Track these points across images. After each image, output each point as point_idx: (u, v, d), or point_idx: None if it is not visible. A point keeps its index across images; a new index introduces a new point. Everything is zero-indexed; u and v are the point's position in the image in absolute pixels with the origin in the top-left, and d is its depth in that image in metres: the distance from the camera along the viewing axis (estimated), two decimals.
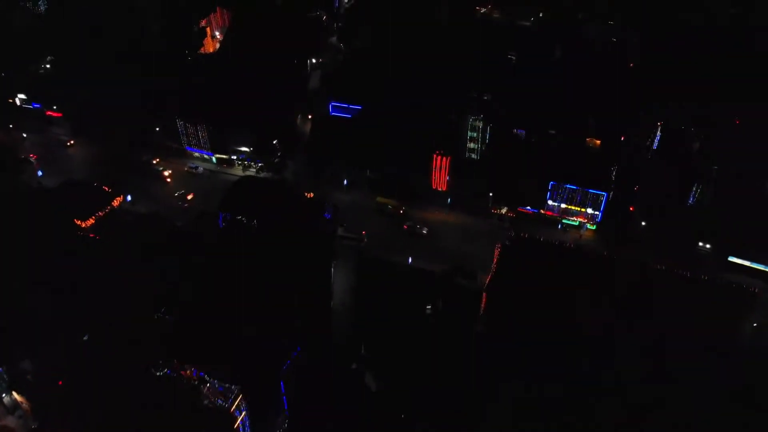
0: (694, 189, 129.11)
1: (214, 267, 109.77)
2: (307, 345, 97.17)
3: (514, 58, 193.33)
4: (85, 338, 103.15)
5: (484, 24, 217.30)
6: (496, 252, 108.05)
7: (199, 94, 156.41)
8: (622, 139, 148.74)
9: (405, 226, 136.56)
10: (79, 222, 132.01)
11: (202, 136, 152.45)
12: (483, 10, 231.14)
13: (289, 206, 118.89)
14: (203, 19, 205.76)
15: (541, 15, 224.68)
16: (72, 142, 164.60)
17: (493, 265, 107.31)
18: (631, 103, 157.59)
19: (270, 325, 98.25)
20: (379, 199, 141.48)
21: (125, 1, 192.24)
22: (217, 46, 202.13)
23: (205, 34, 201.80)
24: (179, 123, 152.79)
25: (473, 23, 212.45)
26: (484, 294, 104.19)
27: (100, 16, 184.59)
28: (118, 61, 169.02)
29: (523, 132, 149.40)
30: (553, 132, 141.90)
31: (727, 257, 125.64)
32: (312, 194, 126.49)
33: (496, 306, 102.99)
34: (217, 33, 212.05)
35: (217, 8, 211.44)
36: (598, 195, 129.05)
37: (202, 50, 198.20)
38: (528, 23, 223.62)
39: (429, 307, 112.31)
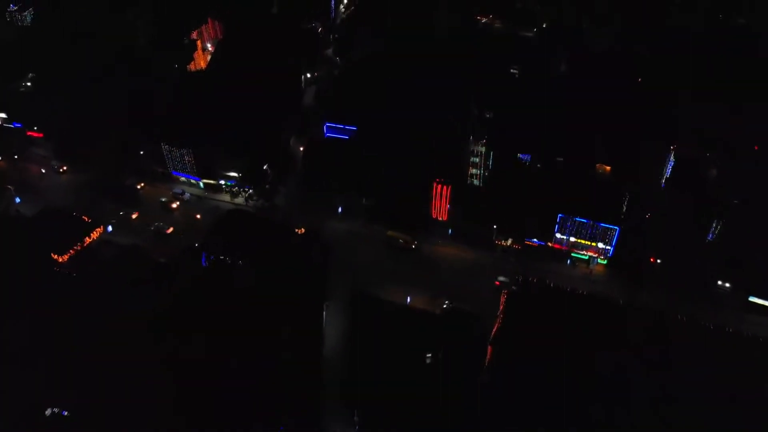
0: (713, 225, 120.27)
1: (189, 316, 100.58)
2: (294, 417, 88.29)
3: (516, 72, 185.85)
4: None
5: (485, 35, 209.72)
6: (502, 299, 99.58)
7: (184, 115, 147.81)
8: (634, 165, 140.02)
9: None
10: (56, 256, 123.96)
11: (188, 161, 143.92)
12: (484, 20, 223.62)
13: (278, 245, 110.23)
14: (194, 31, 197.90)
15: (544, 26, 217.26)
16: (65, 168, 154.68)
17: (499, 314, 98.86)
18: (640, 123, 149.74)
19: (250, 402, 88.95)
20: (389, 233, 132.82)
21: (113, 14, 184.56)
22: (208, 58, 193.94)
23: (195, 47, 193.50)
24: (163, 146, 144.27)
25: (474, 34, 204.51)
26: (489, 346, 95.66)
27: (85, 30, 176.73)
28: (104, 78, 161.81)
29: (528, 157, 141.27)
30: (560, 159, 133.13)
31: (748, 297, 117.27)
32: (303, 230, 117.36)
33: (502, 358, 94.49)
34: (208, 45, 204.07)
35: (209, 20, 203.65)
36: (610, 229, 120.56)
37: (192, 64, 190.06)
38: (530, 34, 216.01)
39: (429, 355, 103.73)
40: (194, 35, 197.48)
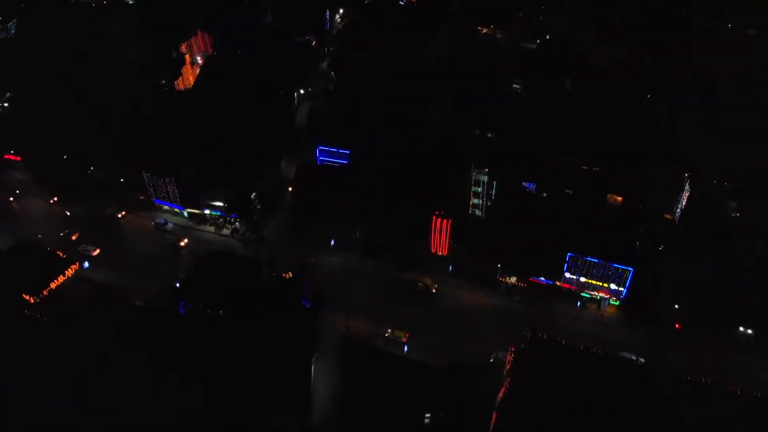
0: (734, 265, 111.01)
1: (160, 377, 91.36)
2: None
3: (519, 88, 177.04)
4: None
5: (486, 47, 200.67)
6: (509, 357, 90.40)
7: (166, 140, 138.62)
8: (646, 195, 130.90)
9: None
10: (27, 297, 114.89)
11: (171, 190, 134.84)
12: (485, 31, 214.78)
13: (262, 291, 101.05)
14: (183, 44, 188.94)
15: (547, 37, 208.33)
16: (56, 199, 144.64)
17: (506, 374, 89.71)
18: (651, 146, 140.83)
19: None
20: (408, 276, 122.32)
21: (98, 27, 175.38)
22: (198, 72, 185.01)
23: (183, 62, 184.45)
24: (144, 174, 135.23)
25: (475, 47, 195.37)
26: (494, 413, 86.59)
27: (66, 45, 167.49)
28: (86, 97, 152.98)
29: (533, 186, 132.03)
30: (569, 191, 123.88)
31: None
32: (290, 273, 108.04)
33: (509, 424, 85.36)
34: (198, 58, 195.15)
35: (198, 32, 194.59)
36: (624, 270, 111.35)
37: (180, 80, 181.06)
38: (533, 45, 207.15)
39: (428, 415, 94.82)
40: (183, 48, 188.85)
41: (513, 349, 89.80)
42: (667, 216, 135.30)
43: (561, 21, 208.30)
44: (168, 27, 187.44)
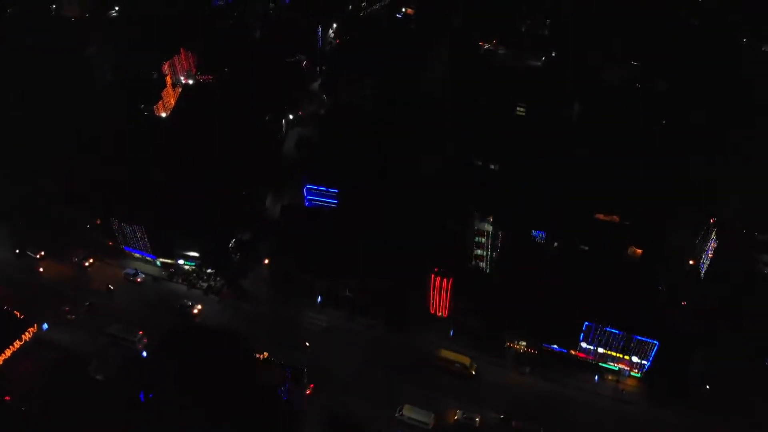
0: None
1: None
2: None
3: (523, 111, 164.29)
4: None
5: (488, 65, 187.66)
6: None
7: (136, 180, 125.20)
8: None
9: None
10: None
11: (140, 237, 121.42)
12: (487, 46, 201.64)
13: (235, 377, 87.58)
14: (165, 63, 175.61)
15: (553, 54, 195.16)
16: (42, 253, 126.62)
17: None
18: (673, 187, 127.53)
19: None
20: (443, 353, 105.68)
21: (71, 47, 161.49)
22: (179, 93, 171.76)
23: (164, 84, 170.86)
24: (112, 221, 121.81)
25: (477, 65, 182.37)
26: None
27: (34, 70, 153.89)
28: (51, 127, 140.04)
29: (543, 235, 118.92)
30: (585, 248, 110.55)
31: None
32: (266, 354, 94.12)
33: None
34: (182, 78, 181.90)
35: (181, 50, 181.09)
36: (648, 343, 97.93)
37: (160, 104, 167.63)
38: (538, 63, 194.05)
39: None
40: (165, 68, 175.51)
41: None
42: (691, 262, 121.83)
43: (567, 35, 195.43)
44: (147, 45, 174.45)
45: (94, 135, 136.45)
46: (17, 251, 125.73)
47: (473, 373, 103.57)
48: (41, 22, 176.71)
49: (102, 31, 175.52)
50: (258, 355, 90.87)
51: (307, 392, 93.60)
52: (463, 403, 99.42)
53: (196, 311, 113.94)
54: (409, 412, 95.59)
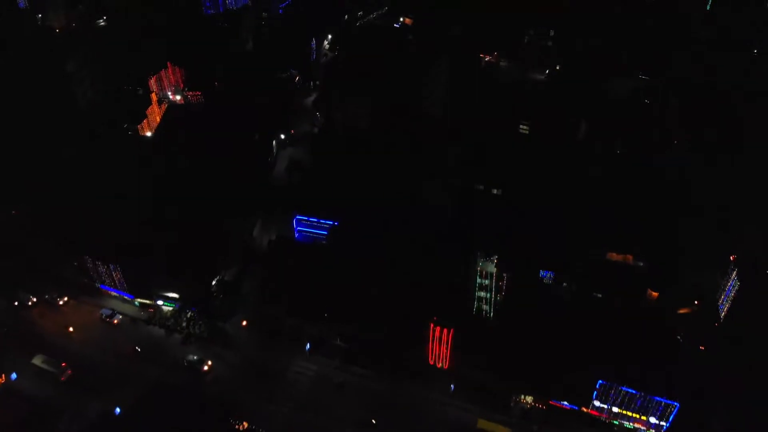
0: None
1: None
2: None
3: (526, 129, 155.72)
4: None
5: (489, 80, 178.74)
6: None
7: (112, 221, 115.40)
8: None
9: None
10: None
11: (116, 276, 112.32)
12: (488, 58, 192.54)
13: None
14: (151, 78, 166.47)
15: (558, 68, 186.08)
16: (35, 300, 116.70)
17: None
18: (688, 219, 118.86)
19: None
20: (481, 423, 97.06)
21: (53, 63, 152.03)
22: (164, 109, 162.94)
23: (149, 101, 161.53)
24: (86, 259, 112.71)
25: (478, 77, 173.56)
26: None
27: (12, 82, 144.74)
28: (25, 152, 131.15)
29: (552, 275, 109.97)
30: (599, 295, 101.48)
31: None
32: (246, 424, 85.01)
33: None
34: (169, 94, 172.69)
35: (168, 64, 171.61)
36: (668, 405, 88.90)
37: (145, 123, 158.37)
38: (542, 76, 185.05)
39: None
40: (151, 82, 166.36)
41: None
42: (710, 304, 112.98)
43: (571, 47, 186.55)
44: (133, 60, 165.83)
45: (70, 157, 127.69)
46: None
47: None
48: (26, 33, 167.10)
49: (86, 44, 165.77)
50: (237, 426, 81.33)
51: None
52: None
53: (206, 368, 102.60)
54: None
